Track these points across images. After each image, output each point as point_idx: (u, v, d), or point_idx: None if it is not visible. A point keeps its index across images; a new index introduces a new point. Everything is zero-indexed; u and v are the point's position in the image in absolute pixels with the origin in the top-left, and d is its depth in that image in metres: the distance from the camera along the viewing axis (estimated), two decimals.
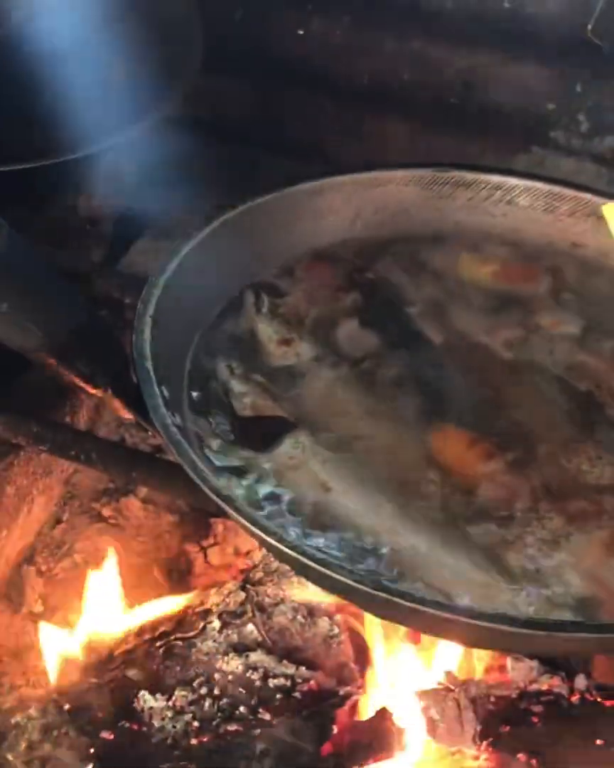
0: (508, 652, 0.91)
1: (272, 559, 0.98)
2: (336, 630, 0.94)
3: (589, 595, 0.80)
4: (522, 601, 0.80)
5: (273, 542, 0.76)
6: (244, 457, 0.89)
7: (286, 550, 0.75)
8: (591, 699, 0.91)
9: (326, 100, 1.53)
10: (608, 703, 0.91)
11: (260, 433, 0.91)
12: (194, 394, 0.94)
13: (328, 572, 0.74)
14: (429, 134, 1.49)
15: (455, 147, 1.47)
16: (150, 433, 1.09)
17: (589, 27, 1.29)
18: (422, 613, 0.73)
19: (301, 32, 1.50)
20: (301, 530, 0.83)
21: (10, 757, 0.82)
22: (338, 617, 0.94)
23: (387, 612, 0.83)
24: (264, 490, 0.87)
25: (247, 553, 1.05)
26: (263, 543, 0.79)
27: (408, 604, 0.72)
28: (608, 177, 1.42)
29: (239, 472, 0.87)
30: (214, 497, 0.79)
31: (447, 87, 1.46)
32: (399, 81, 1.48)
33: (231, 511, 0.78)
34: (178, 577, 1.07)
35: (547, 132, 1.44)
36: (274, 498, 0.86)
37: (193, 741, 0.86)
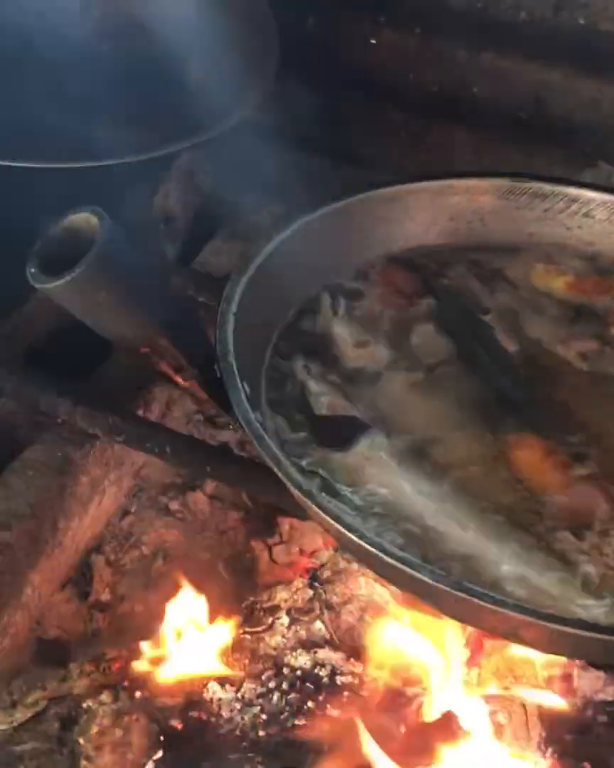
0: (581, 658, 0.91)
1: (340, 558, 0.99)
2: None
3: None
4: (594, 611, 0.80)
5: (353, 538, 0.76)
6: (319, 455, 0.90)
7: (367, 546, 0.76)
8: None
9: (395, 110, 1.54)
10: None
11: (336, 433, 0.91)
12: (272, 391, 0.95)
13: (409, 570, 0.74)
14: (497, 147, 1.50)
15: (522, 160, 1.48)
16: (218, 429, 1.11)
17: None
18: (501, 615, 0.73)
19: (373, 41, 1.51)
20: (375, 530, 0.83)
21: (80, 740, 0.83)
22: (406, 619, 0.95)
23: (464, 613, 0.83)
24: (338, 488, 0.87)
25: (313, 552, 1.06)
26: (342, 539, 0.79)
27: (488, 605, 0.73)
28: None
29: (314, 470, 0.88)
30: (296, 492, 0.80)
31: (517, 101, 1.46)
32: (469, 93, 1.48)
33: (312, 506, 0.78)
34: (243, 573, 1.08)
35: None
36: (347, 497, 0.87)
37: (261, 733, 0.87)
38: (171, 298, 0.87)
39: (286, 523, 1.11)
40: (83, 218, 0.78)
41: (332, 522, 0.78)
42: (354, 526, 0.77)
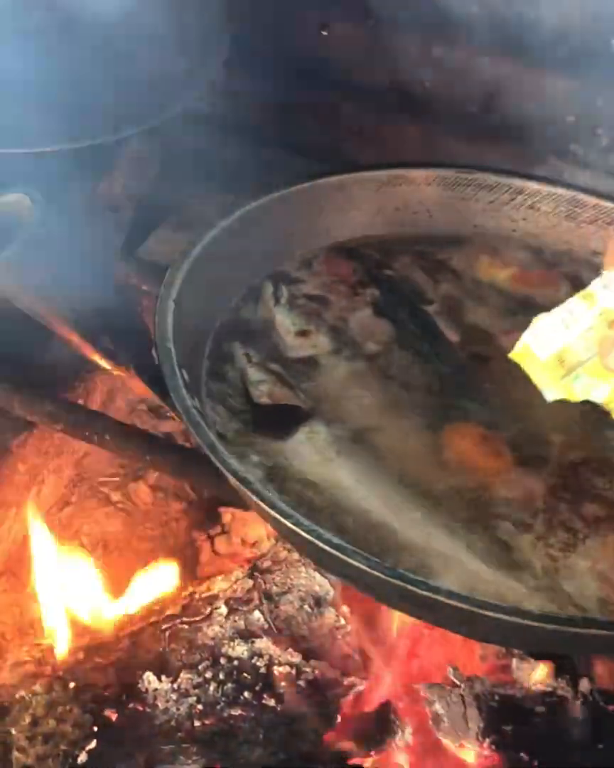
0: (518, 647, 0.91)
1: (280, 548, 0.98)
2: (342, 620, 0.94)
3: (601, 596, 0.80)
4: (533, 600, 0.80)
5: (290, 525, 0.76)
6: (259, 444, 0.89)
7: (304, 534, 0.75)
8: (594, 703, 0.91)
9: (346, 103, 1.53)
10: (610, 707, 0.91)
11: (276, 421, 0.91)
12: (212, 379, 0.94)
13: (345, 558, 0.74)
14: (449, 142, 1.50)
15: (474, 155, 1.47)
16: (161, 420, 1.10)
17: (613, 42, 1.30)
18: (435, 603, 0.73)
19: (325, 33, 1.50)
20: (312, 516, 0.82)
21: (13, 731, 0.82)
22: (345, 608, 0.94)
23: (399, 601, 0.83)
24: (277, 476, 0.87)
25: (254, 543, 1.05)
26: (279, 527, 0.79)
27: (422, 593, 0.72)
28: None
29: (254, 459, 0.88)
30: (233, 479, 0.79)
31: (468, 95, 1.46)
32: (421, 87, 1.48)
33: (249, 494, 0.78)
34: (185, 564, 1.07)
35: (566, 144, 1.45)
36: (286, 485, 0.86)
37: (197, 723, 0.86)
38: (110, 285, 0.86)
39: (227, 514, 1.10)
40: (16, 199, 0.77)
41: (269, 510, 0.77)
42: (290, 512, 0.76)
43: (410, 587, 0.72)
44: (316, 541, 0.75)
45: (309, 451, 0.89)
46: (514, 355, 0.87)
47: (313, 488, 0.87)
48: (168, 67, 1.25)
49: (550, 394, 0.86)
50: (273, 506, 0.77)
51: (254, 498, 0.78)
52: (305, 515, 0.77)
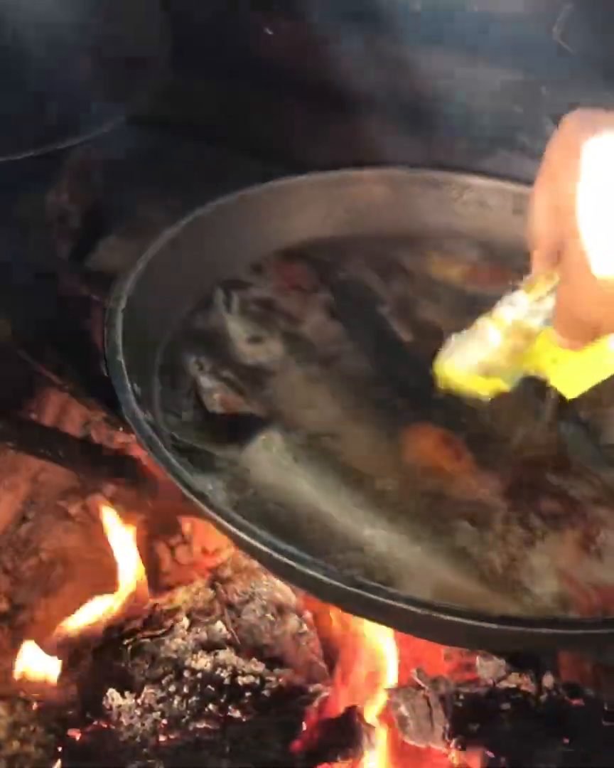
0: (482, 648, 0.91)
1: (241, 556, 0.98)
2: (305, 627, 0.93)
3: (561, 593, 0.80)
4: (494, 600, 0.80)
5: (246, 538, 0.75)
6: (214, 454, 0.89)
7: (260, 546, 0.75)
8: (559, 698, 0.91)
9: (293, 101, 1.53)
10: (574, 701, 0.92)
11: (232, 430, 0.90)
12: (164, 390, 0.93)
13: (303, 569, 0.73)
14: (398, 137, 1.49)
15: (423, 150, 1.47)
16: (116, 432, 1.09)
17: (555, 31, 1.30)
18: (395, 610, 0.73)
19: (270, 32, 1.50)
20: (270, 526, 0.82)
21: None
22: (307, 615, 0.94)
23: (360, 609, 0.82)
24: (234, 486, 0.86)
25: (215, 551, 1.05)
26: (236, 539, 0.78)
27: (381, 600, 0.72)
28: None
29: (209, 469, 0.87)
30: (187, 493, 0.78)
31: (415, 90, 1.46)
32: (367, 83, 1.48)
33: (204, 507, 0.77)
34: (146, 575, 1.06)
35: (514, 135, 1.45)
36: (245, 494, 0.86)
37: (162, 739, 0.85)
38: (55, 297, 0.84)
39: (187, 523, 1.09)
40: None
41: (224, 523, 0.76)
42: (245, 524, 0.76)
43: (370, 595, 0.72)
44: (273, 553, 0.74)
45: (267, 458, 0.89)
46: (437, 370, 0.89)
47: (272, 496, 0.86)
48: (110, 74, 1.24)
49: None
50: (227, 518, 0.76)
51: (207, 511, 0.77)
52: (262, 524, 0.77)
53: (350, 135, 1.52)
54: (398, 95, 1.46)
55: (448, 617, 0.72)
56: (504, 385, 0.87)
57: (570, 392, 0.86)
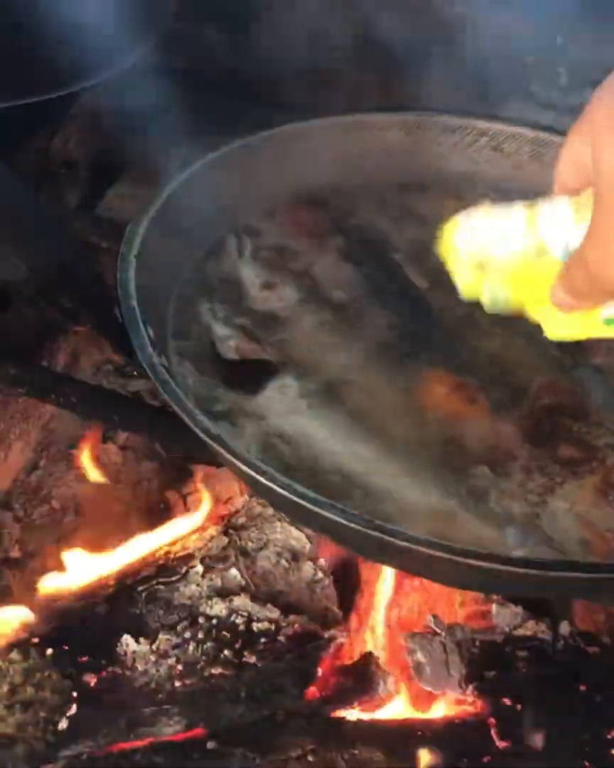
0: (497, 593, 0.91)
1: (255, 504, 0.97)
2: (320, 574, 0.93)
3: (581, 538, 0.80)
4: (512, 544, 0.80)
5: (263, 481, 0.75)
6: (228, 401, 0.88)
7: (277, 488, 0.74)
8: (574, 645, 0.91)
9: (304, 48, 1.50)
10: (590, 649, 0.92)
11: (245, 377, 0.90)
12: (178, 337, 0.92)
13: (322, 511, 0.73)
14: (409, 85, 1.47)
15: (435, 99, 1.45)
16: (129, 379, 1.08)
17: None
18: (413, 552, 0.72)
19: None
20: (287, 472, 0.81)
21: None
22: (322, 561, 0.94)
23: (377, 552, 0.82)
24: (249, 432, 0.86)
25: (228, 500, 1.04)
26: (253, 483, 0.78)
27: (400, 542, 0.71)
28: None
29: (224, 415, 0.86)
30: (204, 436, 0.77)
31: (429, 36, 1.44)
32: (378, 29, 1.46)
33: (220, 450, 0.76)
34: (158, 524, 1.06)
35: (527, 85, 1.43)
36: (259, 440, 0.85)
37: (177, 684, 0.85)
38: (67, 242, 0.83)
39: (199, 472, 1.09)
40: None
41: (242, 466, 0.76)
42: (264, 468, 0.75)
43: (388, 538, 0.71)
44: (291, 496, 0.74)
45: (281, 405, 0.88)
46: (443, 232, 0.79)
47: (287, 442, 0.86)
48: (117, 19, 1.22)
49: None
50: (245, 462, 0.75)
51: (226, 455, 0.76)
52: (279, 470, 0.76)
53: (361, 84, 1.50)
54: (410, 42, 1.44)
55: (469, 560, 0.71)
56: (481, 295, 0.77)
57: (552, 335, 0.80)
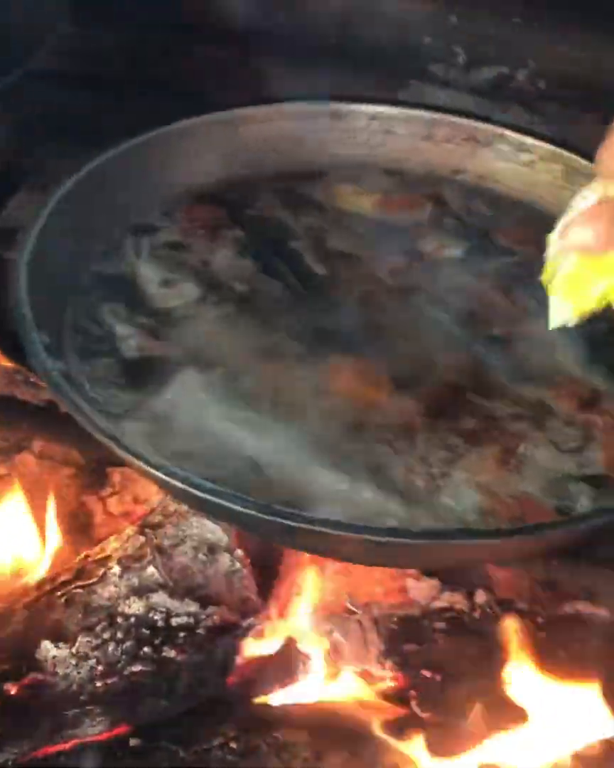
0: (410, 567, 0.92)
1: (170, 501, 0.97)
2: (237, 565, 0.93)
3: (484, 507, 0.81)
4: (417, 519, 0.80)
5: (163, 477, 0.75)
6: (132, 400, 0.88)
7: (178, 483, 0.75)
8: (492, 613, 0.92)
9: (201, 45, 1.50)
10: (508, 616, 0.93)
11: (149, 375, 0.90)
12: (79, 339, 0.92)
13: (220, 501, 0.74)
14: (310, 75, 1.48)
15: (337, 86, 1.46)
16: (41, 388, 1.08)
17: None
18: (316, 535, 0.73)
19: None
20: (193, 467, 0.82)
21: None
22: (239, 552, 0.94)
23: (287, 538, 0.83)
24: (154, 429, 0.86)
25: (146, 500, 1.04)
26: (155, 479, 0.78)
27: (301, 526, 0.73)
28: (486, 108, 1.42)
29: (129, 415, 0.86)
30: (101, 437, 0.78)
31: (323, 26, 1.44)
32: (274, 22, 1.46)
33: (117, 450, 0.77)
34: (80, 529, 1.06)
35: (425, 66, 1.44)
36: (169, 437, 0.85)
37: (99, 685, 0.86)
38: None
39: (117, 473, 1.09)
40: None
41: (139, 463, 0.77)
42: (160, 463, 0.76)
43: (286, 521, 0.72)
44: (189, 488, 0.74)
45: (185, 400, 0.88)
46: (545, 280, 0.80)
47: (194, 437, 0.86)
48: (7, 28, 1.22)
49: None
50: (141, 459, 0.76)
51: (123, 453, 0.77)
52: (187, 465, 0.77)
53: (261, 76, 1.50)
54: (307, 33, 1.45)
55: (369, 536, 0.73)
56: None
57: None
